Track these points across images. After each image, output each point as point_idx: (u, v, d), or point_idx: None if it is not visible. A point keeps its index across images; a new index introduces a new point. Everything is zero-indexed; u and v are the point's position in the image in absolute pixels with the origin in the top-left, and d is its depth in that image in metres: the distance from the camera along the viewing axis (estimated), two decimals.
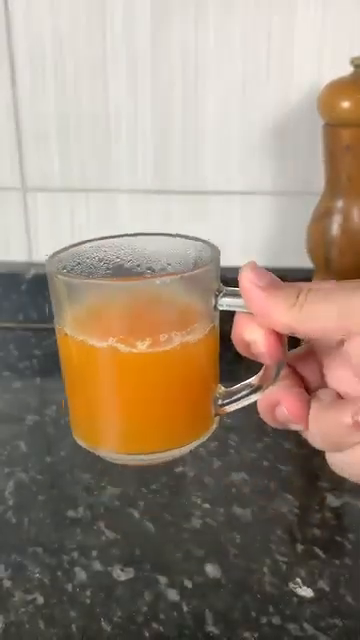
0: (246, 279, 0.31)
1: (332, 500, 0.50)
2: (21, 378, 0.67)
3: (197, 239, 0.37)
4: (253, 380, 0.35)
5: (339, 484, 0.51)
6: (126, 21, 0.68)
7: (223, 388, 0.37)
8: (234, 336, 0.33)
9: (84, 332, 0.35)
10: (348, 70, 0.61)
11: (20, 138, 0.73)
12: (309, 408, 0.32)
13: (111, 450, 0.37)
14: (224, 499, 0.50)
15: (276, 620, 0.40)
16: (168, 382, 0.35)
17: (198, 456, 0.54)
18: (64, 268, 0.37)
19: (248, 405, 0.36)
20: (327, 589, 0.42)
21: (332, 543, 0.46)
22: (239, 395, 0.36)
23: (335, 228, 0.64)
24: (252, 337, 0.32)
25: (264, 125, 0.71)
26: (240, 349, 0.33)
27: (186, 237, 0.38)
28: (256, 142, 0.71)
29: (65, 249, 0.38)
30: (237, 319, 0.33)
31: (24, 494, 0.51)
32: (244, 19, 0.67)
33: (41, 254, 0.78)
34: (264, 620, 0.40)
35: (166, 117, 0.71)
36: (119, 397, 0.36)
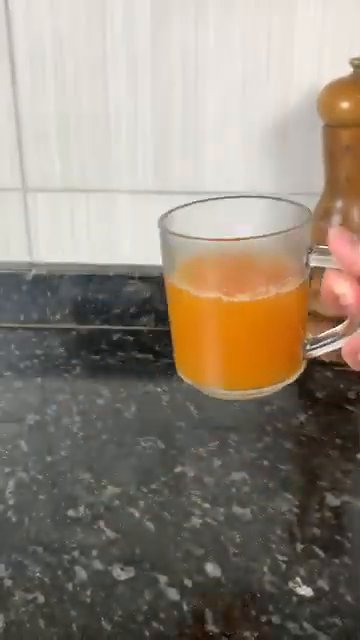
0: (334, 237, 0.36)
1: (332, 500, 0.50)
2: (22, 378, 0.67)
3: (292, 202, 0.42)
4: (338, 329, 0.39)
5: (338, 484, 0.51)
6: (126, 21, 0.68)
7: (311, 335, 0.41)
8: (323, 290, 0.37)
9: (192, 284, 0.39)
10: (348, 71, 0.61)
11: (20, 138, 0.73)
12: None
13: (215, 386, 0.42)
14: (224, 498, 0.50)
15: (276, 619, 0.40)
16: (265, 327, 0.39)
17: (198, 456, 0.54)
18: (175, 227, 0.40)
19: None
20: (327, 588, 0.42)
21: (332, 542, 0.46)
22: (325, 342, 0.40)
23: None
24: (341, 290, 0.36)
25: (264, 125, 0.71)
26: (328, 302, 0.37)
27: (283, 200, 0.43)
28: (256, 142, 0.71)
29: (174, 209, 0.42)
30: (327, 275, 0.37)
31: (24, 493, 0.51)
32: (244, 19, 0.67)
33: (42, 255, 0.78)
34: (264, 619, 0.40)
35: (166, 117, 0.71)
36: (222, 340, 0.40)
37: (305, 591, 0.42)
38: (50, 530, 0.47)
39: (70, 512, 0.49)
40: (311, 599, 0.42)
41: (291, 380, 0.41)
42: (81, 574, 0.43)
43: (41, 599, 0.42)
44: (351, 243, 0.35)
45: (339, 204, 0.63)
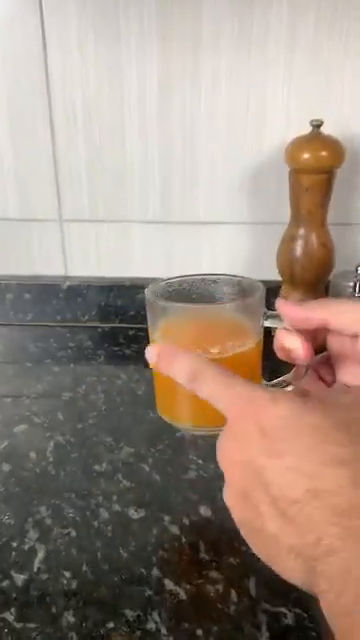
0: (282, 303, 0.35)
1: None
2: (59, 364, 0.67)
3: (248, 278, 0.41)
4: (287, 377, 0.38)
5: None
6: (140, 92, 0.68)
7: (265, 382, 0.40)
8: (276, 345, 0.36)
9: (171, 341, 0.38)
10: (308, 129, 0.61)
11: (58, 181, 0.73)
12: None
13: (185, 424, 0.41)
14: (214, 456, 0.49)
15: None
16: None
17: None
18: (159, 295, 0.40)
19: None
20: None
21: None
22: (279, 387, 0.39)
23: (298, 250, 0.64)
24: (292, 345, 0.35)
25: (244, 172, 0.71)
26: (280, 354, 0.36)
27: (239, 277, 0.42)
28: (238, 184, 0.71)
29: (158, 283, 0.41)
30: (279, 333, 0.36)
31: (61, 452, 0.51)
32: (228, 89, 0.67)
33: (74, 270, 0.78)
34: (244, 549, 0.40)
35: (169, 165, 0.71)
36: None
37: None
38: (80, 480, 0.47)
39: (96, 467, 0.49)
40: None
41: None
42: (104, 514, 0.43)
43: (73, 533, 0.42)
44: (296, 305, 0.34)
45: (301, 231, 0.63)
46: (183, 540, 0.41)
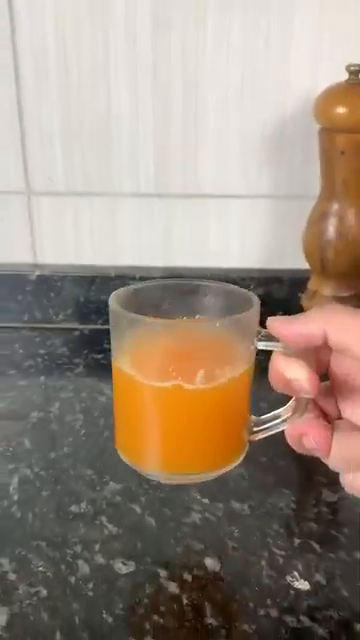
0: (272, 321, 0.35)
1: (328, 495, 0.50)
2: (26, 377, 0.67)
3: (240, 288, 0.40)
4: (282, 411, 0.38)
5: (335, 479, 0.51)
6: (128, 28, 0.68)
7: (254, 417, 0.40)
8: (272, 373, 0.35)
9: (142, 369, 0.37)
10: (344, 76, 0.61)
11: (24, 143, 0.73)
12: (332, 437, 0.35)
13: (154, 470, 0.40)
14: (222, 494, 0.49)
15: (274, 612, 0.40)
16: (221, 410, 0.38)
17: None
18: (124, 306, 0.38)
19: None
20: (323, 582, 0.42)
21: (328, 537, 0.46)
22: (269, 424, 0.39)
23: (331, 231, 0.64)
24: (294, 375, 0.34)
25: (262, 130, 0.71)
26: (277, 386, 0.36)
27: (231, 286, 0.41)
28: (254, 147, 0.71)
29: (127, 288, 0.40)
30: (276, 359, 0.35)
31: (28, 489, 0.51)
32: (242, 24, 0.67)
33: (45, 256, 0.78)
34: (262, 612, 0.40)
35: (166, 121, 0.71)
36: (164, 425, 0.38)
37: (302, 585, 0.42)
38: (53, 525, 0.47)
39: (73, 507, 0.49)
40: (308, 593, 0.42)
41: (235, 464, 0.40)
42: (84, 568, 0.43)
43: (44, 592, 0.41)
44: (288, 320, 0.35)
45: (335, 207, 0.63)
46: (184, 601, 0.41)
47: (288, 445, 0.49)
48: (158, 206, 0.75)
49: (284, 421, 0.38)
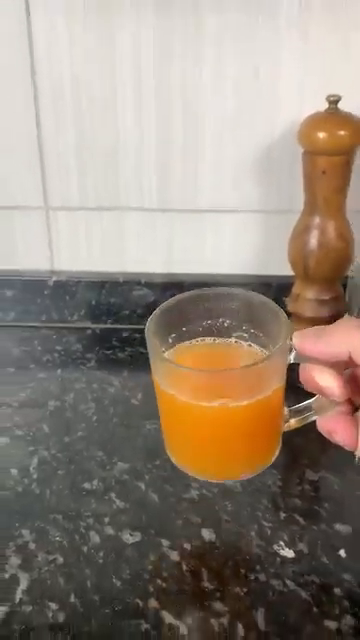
0: (298, 340, 0.34)
1: (311, 474, 0.50)
2: (44, 370, 0.67)
3: (265, 299, 0.39)
4: (313, 404, 0.37)
5: (317, 461, 0.51)
6: (134, 62, 0.68)
7: (287, 409, 0.38)
8: (304, 377, 0.35)
9: (183, 391, 0.36)
10: (324, 106, 0.61)
11: (43, 166, 0.73)
12: (358, 431, 0.34)
13: (203, 475, 0.40)
14: None
15: (262, 577, 0.40)
16: (255, 425, 0.37)
17: None
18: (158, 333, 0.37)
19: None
20: (306, 551, 0.42)
21: (310, 511, 0.46)
22: (303, 416, 0.38)
23: (313, 242, 0.64)
24: (326, 384, 0.34)
25: (253, 153, 0.71)
26: (308, 386, 0.35)
27: (258, 295, 0.40)
28: (246, 167, 0.71)
29: (156, 313, 0.37)
30: (309, 366, 0.34)
31: (46, 469, 0.51)
32: (237, 63, 0.67)
33: (61, 264, 0.78)
34: (252, 577, 0.40)
35: (168, 145, 0.71)
36: (211, 437, 0.37)
37: (287, 553, 0.42)
38: (68, 500, 0.47)
39: (85, 485, 0.49)
40: (293, 560, 0.42)
41: (268, 464, 0.39)
42: (95, 538, 0.43)
43: (60, 560, 0.42)
44: (312, 340, 0.34)
45: (317, 220, 0.63)
46: (184, 567, 0.41)
47: None
48: (161, 219, 0.75)
49: (315, 414, 0.37)
